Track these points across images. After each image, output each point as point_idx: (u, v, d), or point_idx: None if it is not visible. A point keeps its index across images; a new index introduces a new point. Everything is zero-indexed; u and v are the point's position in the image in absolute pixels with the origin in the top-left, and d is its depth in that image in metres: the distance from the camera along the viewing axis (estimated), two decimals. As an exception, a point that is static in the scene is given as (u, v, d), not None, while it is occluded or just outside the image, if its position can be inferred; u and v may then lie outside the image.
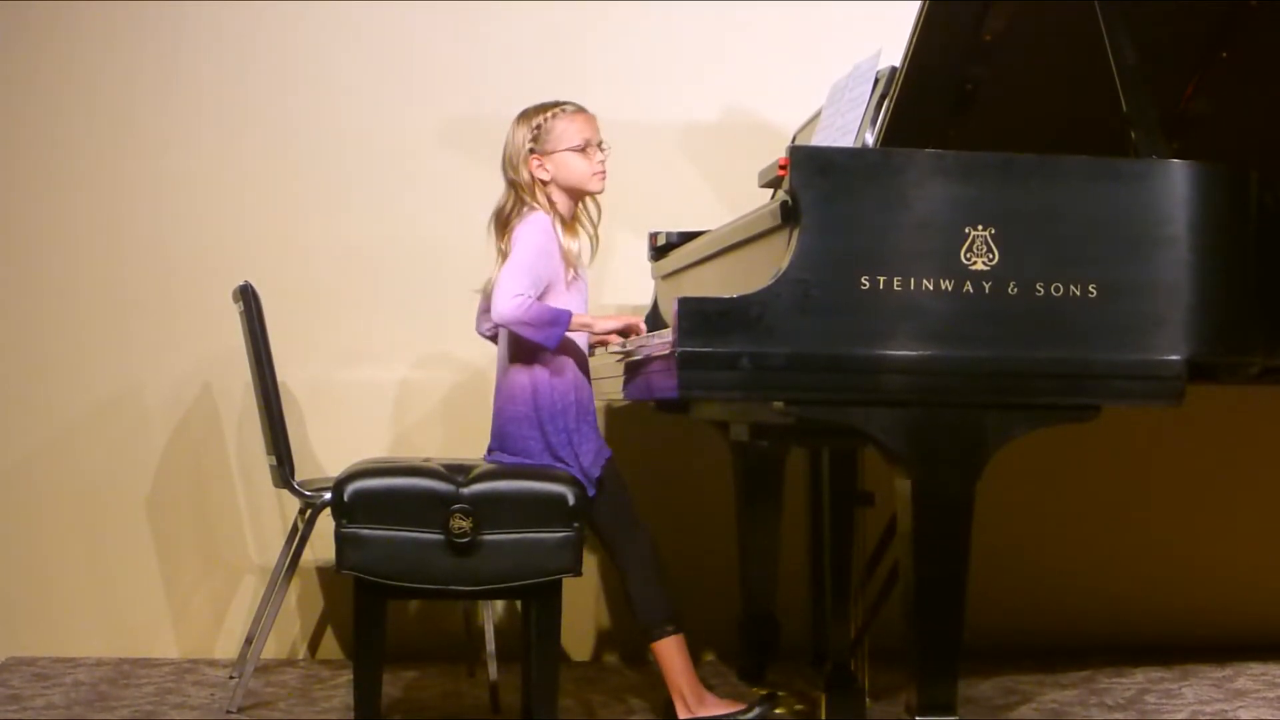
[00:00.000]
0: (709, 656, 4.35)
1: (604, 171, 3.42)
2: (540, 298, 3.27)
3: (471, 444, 3.60)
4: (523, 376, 3.34)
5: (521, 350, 3.33)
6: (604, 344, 3.53)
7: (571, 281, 3.37)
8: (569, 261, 3.36)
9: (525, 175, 3.38)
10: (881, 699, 3.55)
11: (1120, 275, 2.88)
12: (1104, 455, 4.49)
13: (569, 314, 3.28)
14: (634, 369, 3.37)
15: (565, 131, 3.39)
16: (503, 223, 3.41)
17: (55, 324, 4.37)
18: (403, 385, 4.42)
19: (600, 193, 3.45)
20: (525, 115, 3.43)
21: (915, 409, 2.85)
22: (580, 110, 3.43)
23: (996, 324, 2.85)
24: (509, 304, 3.23)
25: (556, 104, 3.43)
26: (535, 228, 3.33)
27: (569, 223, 3.41)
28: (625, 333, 3.38)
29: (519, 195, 3.39)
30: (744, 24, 4.53)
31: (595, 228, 3.49)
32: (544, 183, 3.39)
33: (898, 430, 2.85)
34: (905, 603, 2.92)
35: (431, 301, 4.36)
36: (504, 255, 3.36)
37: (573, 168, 3.39)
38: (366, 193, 4.44)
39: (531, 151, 3.38)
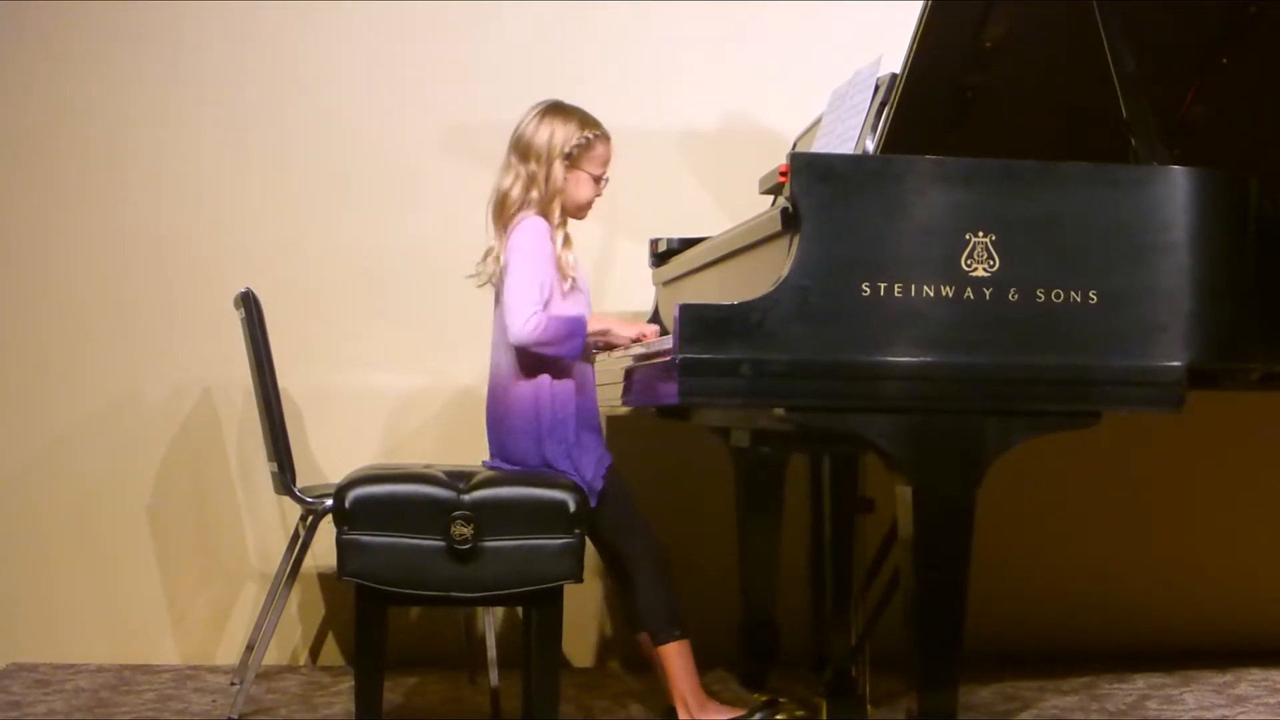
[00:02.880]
0: (710, 662, 4.34)
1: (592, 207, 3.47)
2: (544, 306, 3.28)
3: (472, 450, 3.60)
4: (524, 387, 3.33)
5: (523, 360, 3.33)
6: (610, 349, 3.53)
7: (570, 291, 3.37)
8: (565, 271, 3.36)
9: (559, 173, 3.37)
10: (882, 705, 3.55)
11: (1120, 282, 2.88)
12: (1105, 461, 4.49)
13: (584, 322, 3.29)
14: (635, 375, 3.37)
15: (599, 157, 3.43)
16: (503, 210, 3.39)
17: (56, 330, 4.38)
18: (404, 391, 4.42)
19: (581, 220, 3.48)
20: (569, 115, 3.41)
21: (916, 415, 2.85)
22: (609, 141, 3.45)
23: (997, 330, 2.85)
24: (525, 328, 3.23)
25: (599, 124, 3.43)
26: (527, 234, 3.32)
27: (562, 231, 3.40)
28: (640, 339, 3.38)
29: (530, 185, 3.37)
30: (744, 30, 4.53)
31: None
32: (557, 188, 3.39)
33: (898, 437, 2.85)
34: (906, 609, 2.92)
35: (432, 307, 4.36)
36: (499, 260, 3.35)
37: (584, 191, 3.42)
38: (367, 199, 4.44)
39: (567, 155, 3.38)
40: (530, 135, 3.39)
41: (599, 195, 3.46)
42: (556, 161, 3.37)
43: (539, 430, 3.31)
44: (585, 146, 3.39)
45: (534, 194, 3.37)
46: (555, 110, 3.42)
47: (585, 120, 3.42)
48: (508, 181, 3.40)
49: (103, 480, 4.37)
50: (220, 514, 4.40)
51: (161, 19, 4.42)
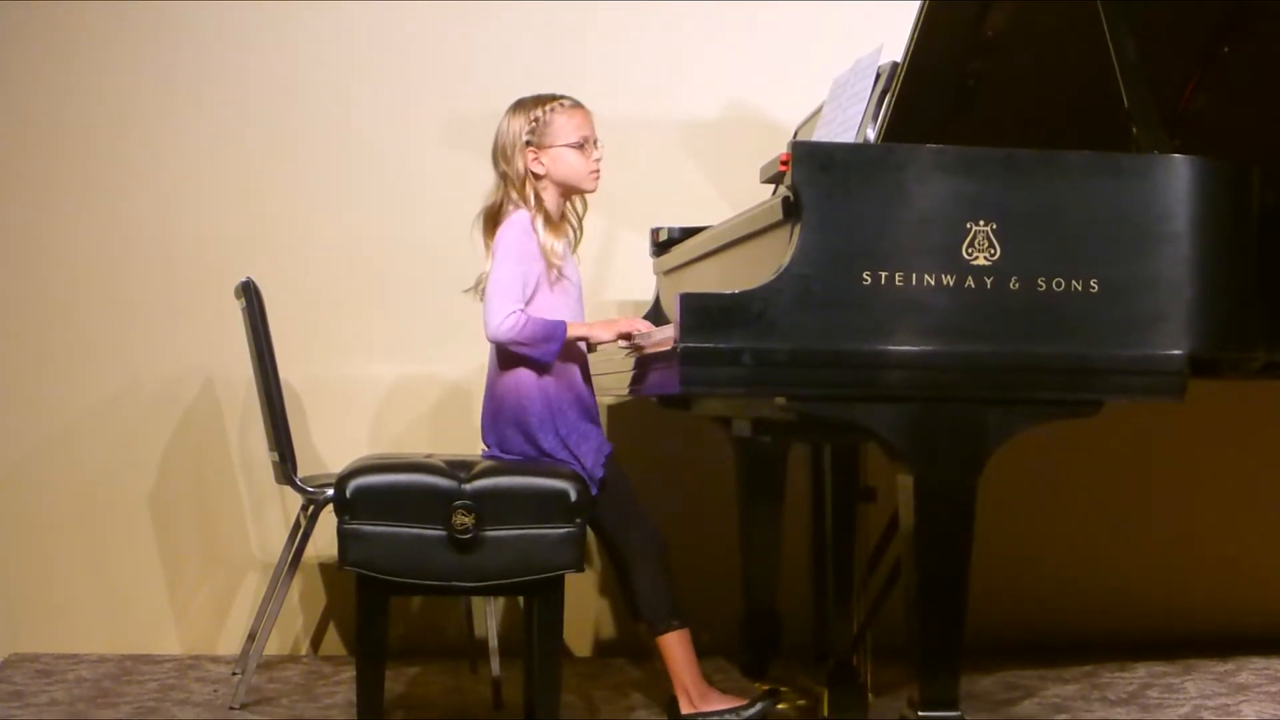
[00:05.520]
0: (711, 653, 4.35)
1: (599, 170, 3.41)
2: (528, 301, 3.27)
3: (473, 440, 3.60)
4: (523, 377, 3.33)
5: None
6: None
7: (556, 281, 3.35)
8: (550, 260, 3.33)
9: (519, 167, 3.36)
10: (884, 695, 3.55)
11: (1122, 271, 2.88)
12: (1106, 450, 4.48)
13: (564, 326, 3.27)
14: (636, 365, 3.37)
15: (564, 126, 3.37)
16: (492, 219, 3.39)
17: (57, 321, 4.37)
18: (405, 381, 4.42)
19: (593, 192, 3.44)
20: (522, 106, 3.40)
21: (917, 405, 2.85)
22: (578, 105, 3.41)
23: (998, 319, 2.84)
24: (502, 325, 3.23)
25: (554, 97, 3.40)
26: (514, 230, 3.31)
27: (554, 220, 3.37)
28: (626, 337, 3.37)
29: (508, 188, 3.37)
30: (745, 20, 4.52)
31: (580, 220, 3.48)
32: (537, 176, 3.37)
33: (899, 426, 2.85)
34: (907, 598, 2.93)
35: (433, 298, 4.36)
36: (490, 257, 3.35)
37: (569, 164, 3.37)
38: (368, 189, 4.44)
39: (528, 144, 3.36)
40: (498, 141, 3.40)
41: (597, 160, 3.40)
42: (518, 151, 3.35)
43: (537, 420, 3.31)
44: (543, 123, 3.36)
45: (513, 194, 3.36)
46: (513, 106, 3.42)
47: (539, 100, 3.39)
48: (494, 194, 3.40)
49: (104, 470, 4.37)
50: (221, 504, 4.40)
51: (162, 19, 4.41)
